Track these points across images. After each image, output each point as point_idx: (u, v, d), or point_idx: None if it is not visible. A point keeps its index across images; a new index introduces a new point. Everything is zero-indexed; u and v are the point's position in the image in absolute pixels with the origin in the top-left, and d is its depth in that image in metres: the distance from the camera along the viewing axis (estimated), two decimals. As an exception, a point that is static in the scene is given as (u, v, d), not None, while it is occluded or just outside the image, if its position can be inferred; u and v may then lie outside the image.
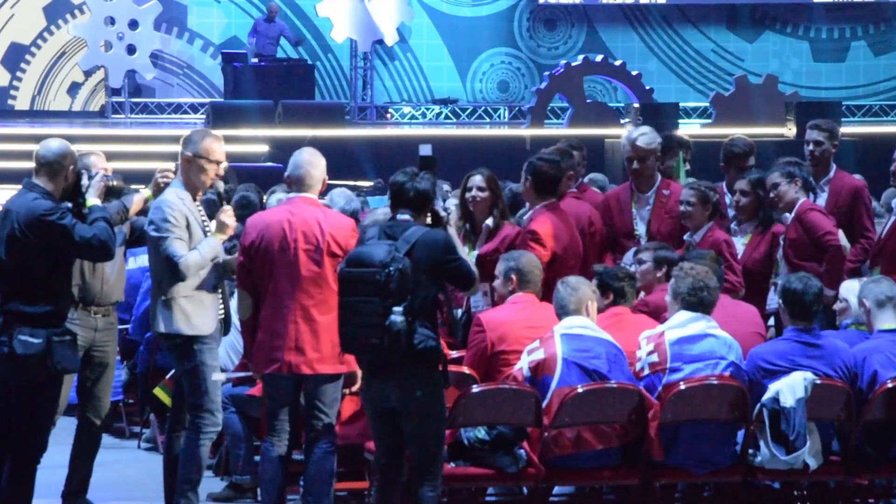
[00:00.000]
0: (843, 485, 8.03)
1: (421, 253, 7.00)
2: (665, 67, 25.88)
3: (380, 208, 10.02)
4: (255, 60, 23.38)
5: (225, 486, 8.91)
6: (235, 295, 7.95)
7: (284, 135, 20.45)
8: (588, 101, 22.79)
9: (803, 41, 26.24)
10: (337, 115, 22.00)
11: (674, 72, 25.91)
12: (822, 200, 9.73)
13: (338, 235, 7.63)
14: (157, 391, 9.28)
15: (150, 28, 23.69)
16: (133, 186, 8.89)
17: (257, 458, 8.28)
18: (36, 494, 7.53)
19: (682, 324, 7.72)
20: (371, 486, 7.92)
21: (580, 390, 7.45)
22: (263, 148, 20.32)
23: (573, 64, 22.68)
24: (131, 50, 23.61)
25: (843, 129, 13.27)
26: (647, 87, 22.74)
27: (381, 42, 24.57)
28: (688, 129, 21.62)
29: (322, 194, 8.09)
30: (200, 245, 7.75)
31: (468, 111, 25.27)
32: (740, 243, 9.51)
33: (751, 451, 7.72)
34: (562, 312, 7.71)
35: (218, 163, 7.90)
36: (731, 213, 9.89)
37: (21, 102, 24.34)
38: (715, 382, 7.61)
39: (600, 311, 7.95)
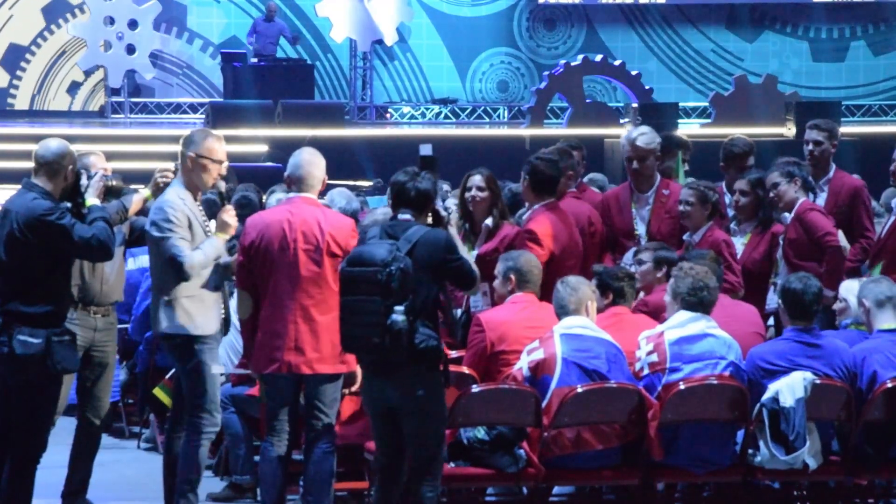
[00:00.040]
0: (843, 485, 8.02)
1: (422, 252, 7.00)
2: (665, 67, 25.88)
3: (379, 208, 10.02)
4: (255, 60, 23.37)
5: (225, 486, 8.91)
6: (235, 295, 7.94)
7: (284, 135, 20.44)
8: (587, 100, 22.79)
9: (803, 41, 26.23)
10: (336, 114, 22.00)
11: (673, 72, 25.91)
12: (821, 200, 9.72)
13: (337, 235, 7.62)
14: (157, 391, 9.27)
15: (149, 28, 23.68)
16: (132, 186, 8.87)
17: (257, 458, 8.27)
18: (36, 494, 7.52)
19: (681, 324, 7.71)
20: (371, 486, 7.91)
21: (580, 390, 7.44)
22: (263, 148, 20.32)
23: (573, 64, 22.69)
24: (131, 50, 23.60)
25: (843, 129, 13.24)
26: (647, 87, 22.74)
27: (380, 42, 24.56)
28: (687, 128, 21.61)
29: (322, 194, 8.08)
30: (204, 245, 7.73)
31: (468, 111, 25.27)
32: (740, 243, 9.50)
33: (750, 451, 7.71)
34: (561, 312, 7.71)
35: (220, 162, 7.89)
36: (730, 212, 9.89)
37: (21, 102, 24.33)
38: (714, 382, 7.61)
39: (600, 311, 7.94)
